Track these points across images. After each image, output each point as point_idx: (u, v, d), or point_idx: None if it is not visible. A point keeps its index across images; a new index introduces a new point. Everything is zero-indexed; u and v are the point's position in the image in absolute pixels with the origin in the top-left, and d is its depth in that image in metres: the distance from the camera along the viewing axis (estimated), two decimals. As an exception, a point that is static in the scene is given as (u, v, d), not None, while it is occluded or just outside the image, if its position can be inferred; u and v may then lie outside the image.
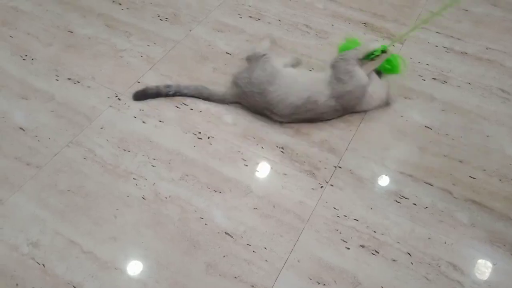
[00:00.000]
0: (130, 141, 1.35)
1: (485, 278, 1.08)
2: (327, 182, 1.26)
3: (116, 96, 1.46)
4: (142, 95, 1.46)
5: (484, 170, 1.29)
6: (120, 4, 1.80)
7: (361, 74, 1.34)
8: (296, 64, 1.53)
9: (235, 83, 1.41)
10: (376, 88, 1.38)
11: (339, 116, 1.39)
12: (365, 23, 1.74)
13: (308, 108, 1.33)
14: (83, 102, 1.44)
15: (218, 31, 1.70)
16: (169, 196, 1.22)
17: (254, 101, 1.37)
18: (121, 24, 1.72)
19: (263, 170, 1.29)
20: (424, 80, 1.53)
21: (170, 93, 1.46)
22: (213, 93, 1.44)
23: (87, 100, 1.45)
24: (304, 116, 1.35)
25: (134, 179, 1.26)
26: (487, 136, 1.37)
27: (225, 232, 1.16)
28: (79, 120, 1.39)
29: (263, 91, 1.34)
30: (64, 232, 1.15)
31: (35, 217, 1.18)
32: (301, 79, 1.36)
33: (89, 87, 1.49)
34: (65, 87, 1.49)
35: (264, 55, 1.42)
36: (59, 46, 1.63)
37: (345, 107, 1.36)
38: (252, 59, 1.45)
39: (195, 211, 1.19)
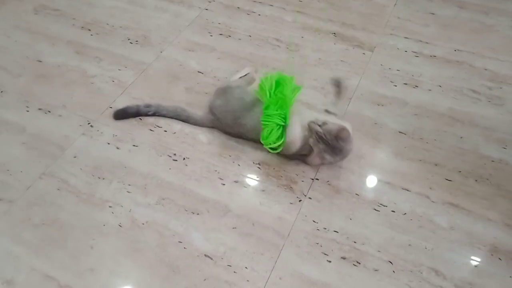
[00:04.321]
0: (105, 168, 1.33)
1: (468, 281, 1.08)
2: (305, 195, 1.25)
3: (89, 123, 1.45)
4: (122, 114, 1.46)
5: (460, 171, 1.30)
6: (89, 30, 1.79)
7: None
8: (250, 82, 1.45)
9: (210, 111, 1.40)
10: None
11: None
12: (334, 33, 1.75)
13: None
14: (55, 132, 1.42)
15: (189, 50, 1.70)
16: (146, 222, 1.20)
17: (229, 128, 1.38)
18: (90, 50, 1.70)
19: (240, 188, 1.28)
20: (396, 86, 1.54)
21: (150, 113, 1.45)
22: (191, 116, 1.44)
23: (59, 130, 1.43)
24: None
25: (110, 207, 1.24)
26: (461, 137, 1.38)
27: (204, 255, 1.14)
28: (52, 151, 1.37)
29: (237, 119, 1.34)
30: (40, 267, 1.12)
31: (9, 253, 1.15)
32: None
33: (60, 116, 1.47)
34: (36, 118, 1.46)
35: (238, 85, 1.39)
36: (28, 77, 1.61)
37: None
38: (229, 89, 1.40)
39: (173, 235, 1.18)
